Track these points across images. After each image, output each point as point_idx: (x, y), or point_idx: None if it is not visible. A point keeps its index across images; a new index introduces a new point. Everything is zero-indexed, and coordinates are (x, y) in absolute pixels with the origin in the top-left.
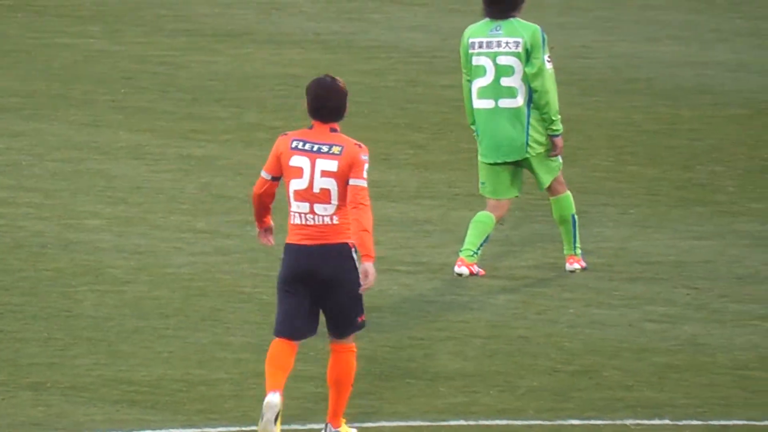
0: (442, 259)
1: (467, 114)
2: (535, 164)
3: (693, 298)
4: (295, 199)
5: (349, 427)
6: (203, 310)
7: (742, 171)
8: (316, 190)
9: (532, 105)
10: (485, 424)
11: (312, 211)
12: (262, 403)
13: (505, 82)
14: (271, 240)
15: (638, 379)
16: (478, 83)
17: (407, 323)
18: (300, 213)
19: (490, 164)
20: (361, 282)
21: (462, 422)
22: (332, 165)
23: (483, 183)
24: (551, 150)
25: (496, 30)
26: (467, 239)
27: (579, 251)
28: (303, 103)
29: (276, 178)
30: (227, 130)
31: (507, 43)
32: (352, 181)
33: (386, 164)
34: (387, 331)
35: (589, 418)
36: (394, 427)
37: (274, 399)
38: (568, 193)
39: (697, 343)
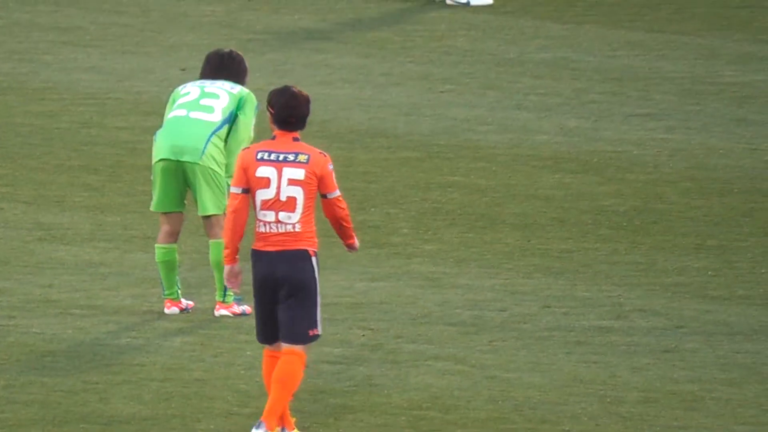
0: (118, 302)
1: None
2: (205, 183)
3: (368, 338)
4: (261, 208)
5: None
6: None
7: (416, 213)
8: (282, 198)
9: (219, 135)
10: None
11: (277, 220)
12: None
13: (205, 102)
14: (238, 286)
15: (314, 421)
16: (182, 100)
17: (81, 367)
18: (265, 222)
19: (162, 163)
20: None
21: None
22: (299, 173)
23: (154, 198)
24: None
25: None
26: (164, 281)
27: (231, 299)
28: (265, 116)
29: (246, 191)
30: None
31: (221, 86)
32: (329, 195)
33: (59, 207)
34: (61, 376)
35: None
36: None
37: None
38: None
39: (373, 384)
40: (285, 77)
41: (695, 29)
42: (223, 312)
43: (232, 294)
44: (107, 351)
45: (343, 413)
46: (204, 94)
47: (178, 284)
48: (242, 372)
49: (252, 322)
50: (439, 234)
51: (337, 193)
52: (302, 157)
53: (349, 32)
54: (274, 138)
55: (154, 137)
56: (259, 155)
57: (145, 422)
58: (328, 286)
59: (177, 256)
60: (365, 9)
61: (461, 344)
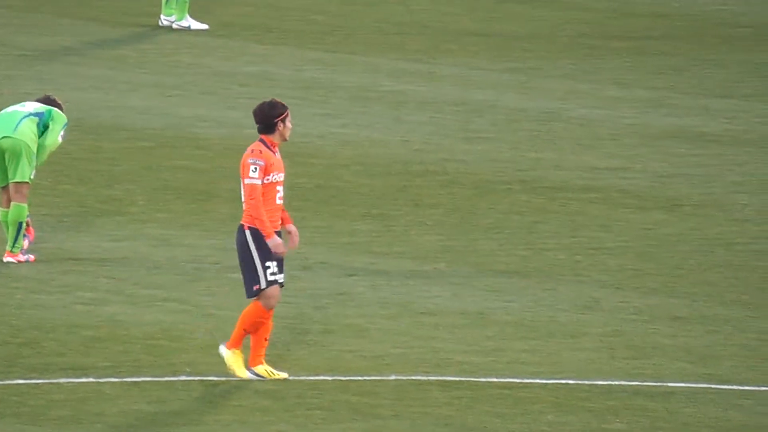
0: None
1: None
2: (19, 154)
3: (113, 285)
4: None
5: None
6: None
7: (150, 189)
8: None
9: (31, 119)
10: None
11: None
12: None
13: (20, 105)
14: (284, 249)
15: (70, 348)
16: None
17: None
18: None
19: None
20: (291, 246)
21: None
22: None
23: None
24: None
25: None
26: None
27: (17, 249)
28: None
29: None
30: None
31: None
32: (245, 181)
33: None
34: None
35: (31, 379)
36: None
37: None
38: (26, 205)
39: (116, 320)
40: (48, 84)
41: (362, 50)
42: (10, 259)
43: (19, 246)
44: None
45: (93, 342)
46: (20, 105)
47: (18, 241)
48: (14, 311)
49: (10, 271)
50: (168, 205)
51: (247, 181)
52: (246, 151)
53: (98, 50)
54: None
55: None
56: None
57: None
58: (81, 245)
59: (24, 214)
60: (110, 32)
61: (185, 289)
